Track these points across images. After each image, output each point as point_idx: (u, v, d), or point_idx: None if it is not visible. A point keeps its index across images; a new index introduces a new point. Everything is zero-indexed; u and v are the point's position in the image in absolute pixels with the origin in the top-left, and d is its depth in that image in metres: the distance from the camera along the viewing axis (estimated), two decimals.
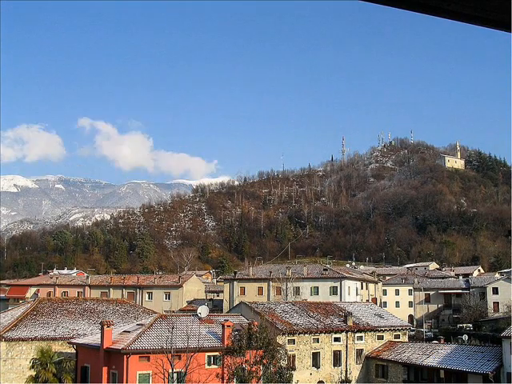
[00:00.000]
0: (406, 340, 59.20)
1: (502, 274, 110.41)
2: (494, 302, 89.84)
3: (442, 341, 66.49)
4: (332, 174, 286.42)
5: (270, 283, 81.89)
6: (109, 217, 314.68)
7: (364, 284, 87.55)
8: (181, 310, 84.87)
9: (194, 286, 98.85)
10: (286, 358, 41.54)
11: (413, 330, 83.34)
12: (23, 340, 45.32)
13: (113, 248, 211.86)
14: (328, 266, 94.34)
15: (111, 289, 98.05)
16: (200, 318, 45.30)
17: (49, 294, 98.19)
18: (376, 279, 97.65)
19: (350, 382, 51.98)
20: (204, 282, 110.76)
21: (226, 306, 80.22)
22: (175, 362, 35.61)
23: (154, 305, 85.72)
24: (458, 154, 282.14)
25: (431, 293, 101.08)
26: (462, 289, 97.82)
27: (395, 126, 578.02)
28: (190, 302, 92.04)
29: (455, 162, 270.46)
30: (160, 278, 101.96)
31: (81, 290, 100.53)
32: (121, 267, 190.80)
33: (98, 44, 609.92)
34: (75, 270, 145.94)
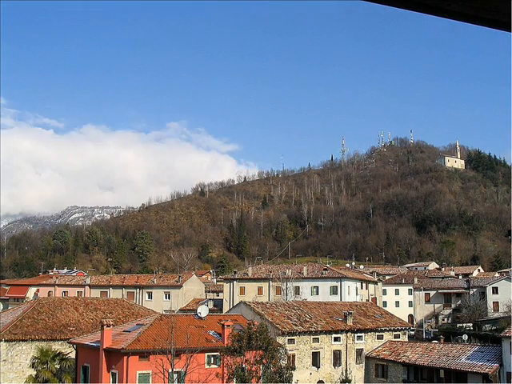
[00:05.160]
0: (406, 340, 59.25)
1: (501, 273, 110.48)
2: (493, 302, 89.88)
3: (442, 340, 66.49)
4: (332, 174, 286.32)
5: (270, 283, 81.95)
6: (109, 216, 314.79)
7: (364, 284, 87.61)
8: (181, 310, 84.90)
9: (194, 286, 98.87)
10: (285, 358, 41.55)
11: (413, 330, 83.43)
12: (23, 340, 45.31)
13: (113, 248, 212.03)
14: (328, 265, 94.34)
15: (111, 288, 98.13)
16: (200, 318, 45.32)
17: (49, 293, 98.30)
18: (376, 279, 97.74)
19: (350, 381, 51.98)
20: (204, 282, 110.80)
21: (225, 305, 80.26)
22: (175, 361, 35.61)
23: (154, 305, 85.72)
24: (458, 153, 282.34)
25: (431, 293, 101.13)
26: (462, 289, 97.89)
27: (395, 126, 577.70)
28: (189, 302, 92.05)
29: (455, 162, 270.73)
30: (160, 277, 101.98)
31: (81, 289, 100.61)
32: (121, 267, 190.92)
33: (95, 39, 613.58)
34: (75, 270, 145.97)
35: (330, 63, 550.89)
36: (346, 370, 52.65)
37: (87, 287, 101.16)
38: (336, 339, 53.11)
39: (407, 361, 50.64)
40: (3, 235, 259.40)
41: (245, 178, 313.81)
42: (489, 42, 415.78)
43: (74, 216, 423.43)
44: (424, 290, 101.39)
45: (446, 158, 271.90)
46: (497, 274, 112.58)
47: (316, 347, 51.50)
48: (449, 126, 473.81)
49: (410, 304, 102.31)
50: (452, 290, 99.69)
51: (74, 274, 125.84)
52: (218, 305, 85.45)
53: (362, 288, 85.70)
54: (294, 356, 48.94)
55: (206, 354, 40.39)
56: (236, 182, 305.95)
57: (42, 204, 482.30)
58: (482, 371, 44.12)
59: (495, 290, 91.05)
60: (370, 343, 55.38)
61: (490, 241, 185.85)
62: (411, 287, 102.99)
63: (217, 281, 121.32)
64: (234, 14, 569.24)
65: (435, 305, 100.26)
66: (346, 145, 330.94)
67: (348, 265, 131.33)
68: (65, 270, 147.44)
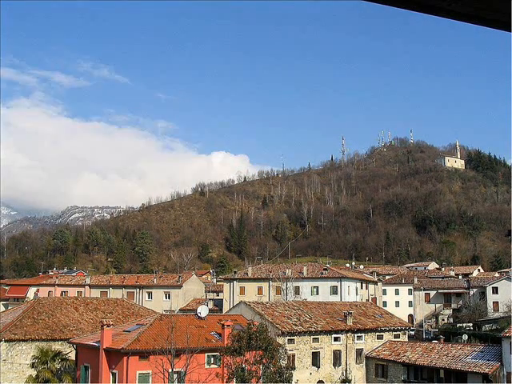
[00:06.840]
0: (406, 340, 59.21)
1: (501, 273, 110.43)
2: (493, 302, 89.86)
3: (442, 340, 66.46)
4: (332, 174, 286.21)
5: (270, 283, 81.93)
6: (109, 216, 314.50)
7: (364, 284, 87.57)
8: (181, 310, 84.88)
9: (194, 286, 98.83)
10: (285, 358, 41.53)
11: (413, 330, 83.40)
12: (23, 340, 45.28)
13: (113, 248, 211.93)
14: (328, 265, 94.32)
15: (111, 288, 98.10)
16: (200, 318, 45.30)
17: (49, 293, 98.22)
18: (376, 279, 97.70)
19: (350, 381, 51.96)
20: (204, 282, 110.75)
21: (225, 305, 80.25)
22: (175, 361, 35.60)
23: (154, 305, 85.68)
24: (458, 153, 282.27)
25: (431, 293, 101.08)
26: (462, 289, 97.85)
27: (395, 126, 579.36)
28: (189, 302, 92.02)
29: (455, 162, 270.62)
30: (160, 277, 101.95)
31: (81, 289, 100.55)
32: (121, 267, 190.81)
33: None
34: (75, 270, 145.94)
35: (330, 63, 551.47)
36: (346, 370, 52.63)
37: (87, 287, 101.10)
38: (336, 339, 53.09)
39: (407, 361, 50.63)
40: (3, 235, 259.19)
41: (245, 177, 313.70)
42: (489, 41, 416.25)
43: (73, 216, 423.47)
44: (424, 290, 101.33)
45: (446, 157, 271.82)
46: (497, 274, 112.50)
47: (316, 347, 51.48)
48: (449, 125, 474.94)
49: (410, 304, 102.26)
50: (452, 290, 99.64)
51: (74, 274, 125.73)
52: (218, 305, 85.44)
53: (361, 288, 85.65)
54: (293, 356, 48.92)
55: (206, 354, 40.40)
56: (236, 182, 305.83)
57: (42, 204, 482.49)
58: (482, 371, 44.12)
59: (495, 290, 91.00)
60: (369, 343, 55.35)
61: (490, 241, 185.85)
62: (411, 287, 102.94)
63: (217, 281, 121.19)
64: (235, 12, 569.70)
65: (435, 305, 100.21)
66: (345, 145, 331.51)
67: (348, 265, 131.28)
68: (65, 270, 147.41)
